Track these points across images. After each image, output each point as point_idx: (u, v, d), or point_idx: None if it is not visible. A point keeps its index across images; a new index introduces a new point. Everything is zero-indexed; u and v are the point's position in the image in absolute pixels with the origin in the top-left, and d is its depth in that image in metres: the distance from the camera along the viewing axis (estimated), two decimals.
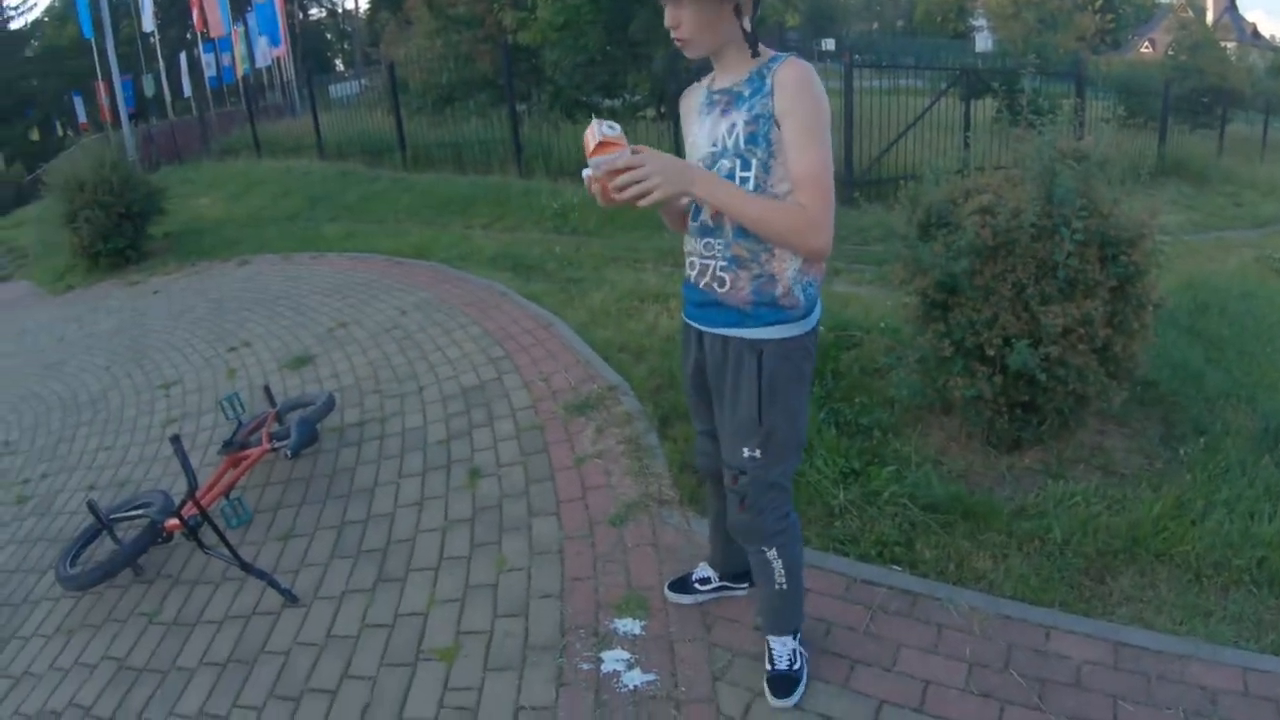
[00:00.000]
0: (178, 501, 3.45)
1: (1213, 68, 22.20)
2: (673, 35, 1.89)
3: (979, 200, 3.33)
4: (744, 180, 1.88)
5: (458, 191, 10.60)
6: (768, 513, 2.12)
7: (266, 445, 3.89)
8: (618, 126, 1.76)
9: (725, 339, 2.02)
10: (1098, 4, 23.66)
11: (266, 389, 4.48)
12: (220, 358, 5.79)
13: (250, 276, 7.99)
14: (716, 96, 1.97)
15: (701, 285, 2.02)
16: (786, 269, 1.94)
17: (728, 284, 1.97)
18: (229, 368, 5.57)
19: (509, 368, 4.66)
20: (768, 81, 1.85)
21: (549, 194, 9.61)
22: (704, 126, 1.97)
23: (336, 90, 18.32)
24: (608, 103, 12.88)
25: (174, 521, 3.38)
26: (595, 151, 1.73)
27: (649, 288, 5.90)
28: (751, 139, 1.86)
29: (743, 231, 1.91)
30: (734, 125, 1.88)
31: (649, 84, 12.12)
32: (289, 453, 3.79)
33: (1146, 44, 50.71)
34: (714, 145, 1.93)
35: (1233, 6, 60.54)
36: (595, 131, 1.73)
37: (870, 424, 3.72)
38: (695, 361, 2.16)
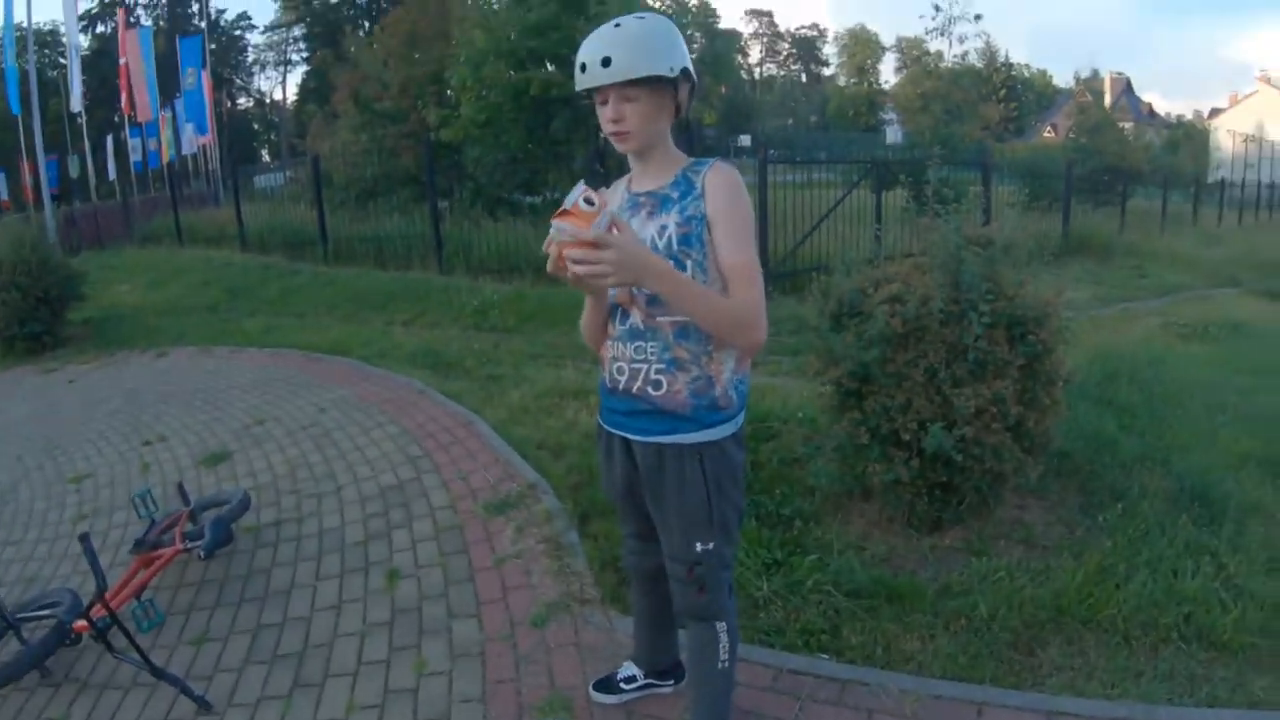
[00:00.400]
0: (86, 602, 3.27)
1: (1112, 148, 23.41)
2: (613, 129, 1.91)
3: (888, 289, 3.43)
4: None
5: (378, 287, 10.58)
6: (722, 588, 2.13)
7: (179, 545, 3.74)
8: (597, 201, 1.74)
9: (661, 447, 1.99)
10: (1001, 94, 24.99)
11: (180, 487, 4.33)
12: (135, 451, 5.60)
13: (168, 368, 7.84)
14: (641, 199, 1.99)
15: (634, 391, 1.99)
16: (724, 370, 1.96)
17: (664, 387, 1.95)
18: (143, 462, 5.38)
19: (428, 467, 4.59)
20: (698, 185, 1.90)
21: (469, 291, 9.66)
22: (629, 222, 1.97)
23: (261, 181, 18.31)
24: (529, 200, 13.05)
25: (82, 623, 3.21)
26: (565, 216, 1.72)
27: (568, 384, 5.90)
28: (685, 240, 1.89)
29: (683, 333, 1.93)
30: (665, 227, 1.91)
31: (570, 182, 12.33)
32: (203, 553, 3.65)
33: (1049, 129, 53.53)
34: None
35: (1129, 89, 64.34)
36: (575, 196, 1.73)
37: (791, 514, 3.72)
38: (624, 471, 2.12)
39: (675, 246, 1.89)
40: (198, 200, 23.70)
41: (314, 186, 13.23)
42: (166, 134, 29.93)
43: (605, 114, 1.91)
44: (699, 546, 2.04)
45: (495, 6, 13.18)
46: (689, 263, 1.89)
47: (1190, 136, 41.80)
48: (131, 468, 5.33)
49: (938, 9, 19.65)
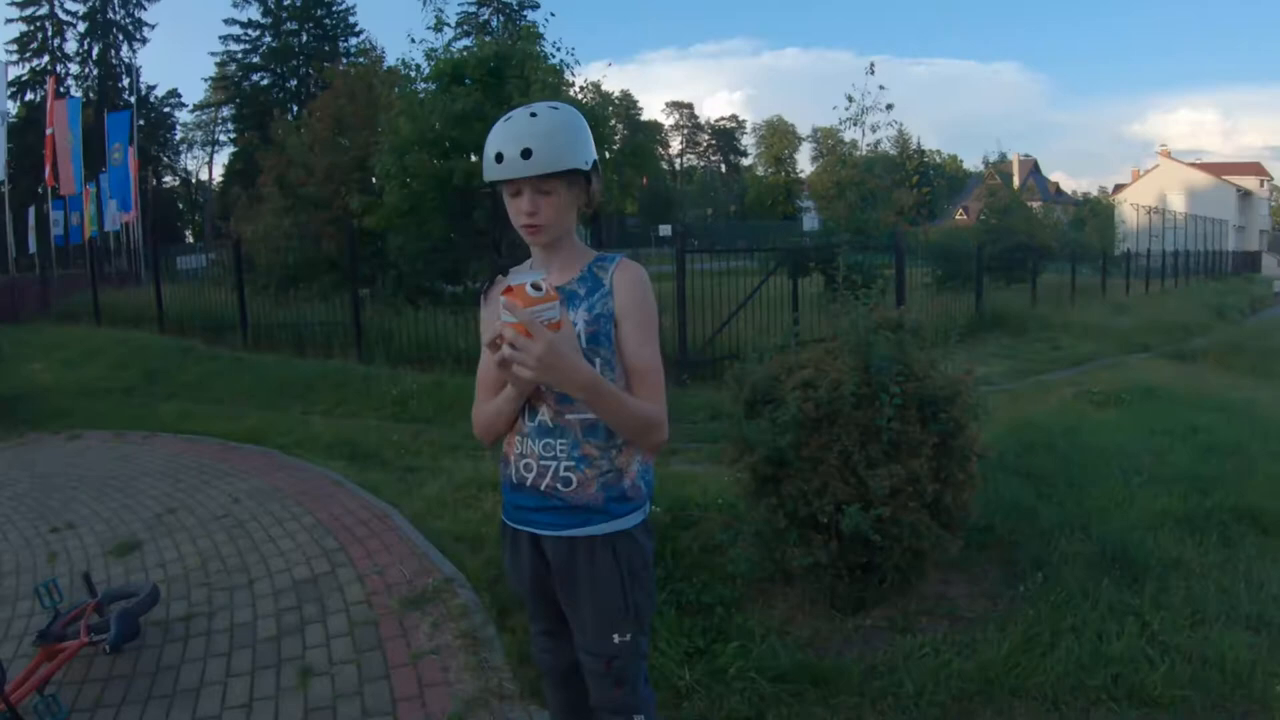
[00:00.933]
0: None
1: (1022, 226, 24.38)
2: (527, 221, 1.88)
3: (801, 375, 3.48)
4: None
5: (297, 374, 10.44)
6: (639, 680, 2.11)
7: (85, 638, 3.56)
8: (544, 287, 1.69)
9: (573, 540, 1.97)
10: (914, 180, 25.90)
11: (87, 577, 4.15)
12: (41, 538, 5.36)
13: (80, 452, 7.61)
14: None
15: (542, 487, 1.96)
16: (632, 463, 1.97)
17: (574, 484, 1.94)
18: (50, 550, 5.15)
19: (343, 560, 4.48)
20: (606, 282, 1.91)
21: (389, 380, 9.57)
22: None
23: (183, 262, 17.94)
24: (450, 289, 13.05)
25: None
26: (508, 293, 1.69)
27: (487, 476, 5.79)
28: (594, 339, 1.88)
29: (592, 430, 1.92)
30: (574, 324, 1.88)
31: (491, 273, 12.38)
32: (109, 647, 3.49)
33: (961, 211, 55.77)
34: None
35: (1036, 169, 67.56)
36: (524, 278, 1.70)
37: (712, 601, 3.68)
38: (532, 568, 2.07)
39: (584, 344, 1.87)
40: (118, 278, 23.24)
41: (236, 270, 13.05)
42: (90, 209, 29.40)
43: (519, 205, 1.87)
44: (616, 639, 2.02)
45: (421, 96, 13.26)
46: (598, 360, 1.88)
47: (1096, 212, 43.67)
48: (38, 555, 5.10)
49: (851, 100, 20.51)
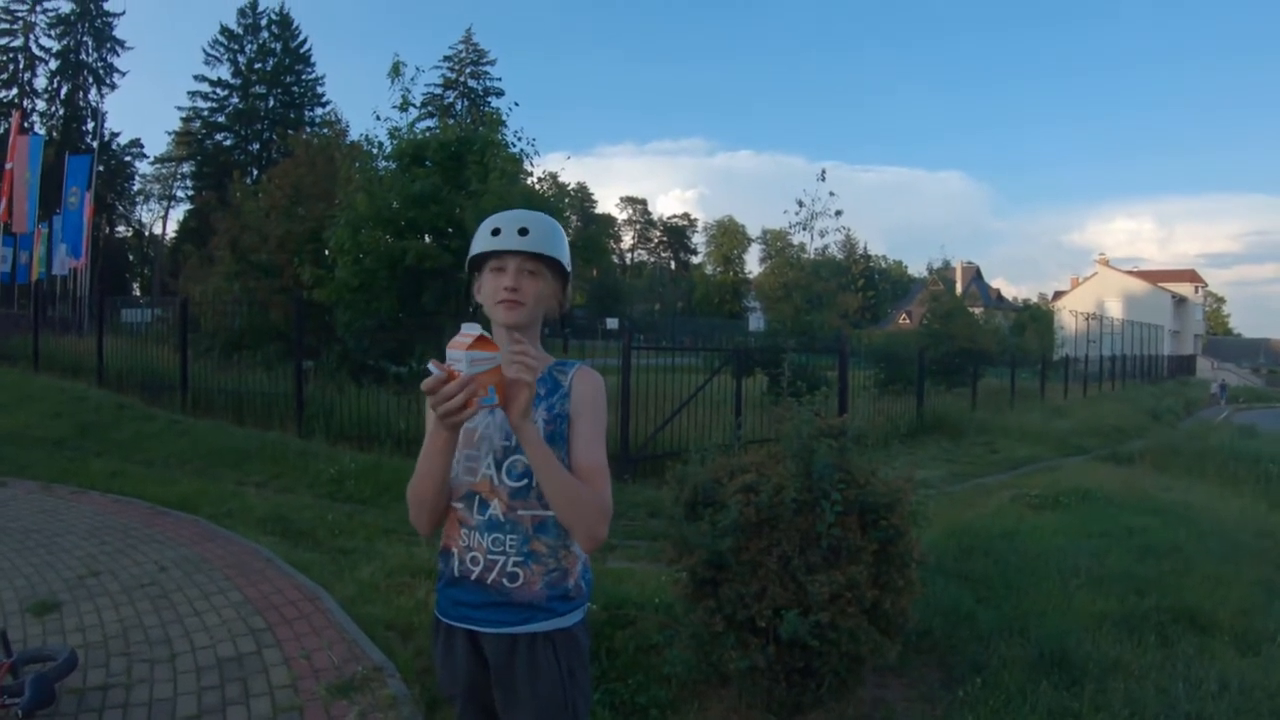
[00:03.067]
0: None
1: (963, 331, 25.00)
2: (507, 296, 1.92)
3: (743, 479, 3.51)
4: None
5: (234, 443, 10.26)
6: None
7: None
8: (480, 332, 1.77)
9: (514, 637, 1.96)
10: (860, 284, 26.60)
11: (2, 635, 3.96)
12: None
13: (4, 501, 7.38)
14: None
15: (488, 582, 1.95)
16: (577, 563, 2.00)
17: (520, 580, 1.94)
18: None
19: (269, 641, 4.35)
20: (565, 385, 1.98)
21: (327, 457, 9.47)
22: (493, 418, 1.96)
23: (128, 315, 17.65)
24: (395, 369, 12.97)
25: None
26: (465, 346, 1.73)
27: (421, 563, 5.73)
28: (550, 438, 1.91)
29: (542, 527, 1.94)
30: (534, 423, 1.90)
31: (437, 355, 12.36)
32: (21, 712, 3.37)
33: (904, 315, 57.13)
34: (507, 440, 1.94)
35: (979, 276, 69.66)
36: (469, 334, 1.76)
37: (647, 702, 3.64)
38: (467, 668, 2.03)
39: None
40: (60, 325, 22.77)
41: (180, 329, 12.89)
42: (39, 250, 28.87)
43: (501, 280, 1.93)
44: None
45: (381, 173, 13.36)
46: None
47: (1036, 318, 45.11)
48: None
49: (801, 205, 21.15)
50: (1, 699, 3.45)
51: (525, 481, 1.92)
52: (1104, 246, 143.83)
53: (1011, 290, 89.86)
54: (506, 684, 1.98)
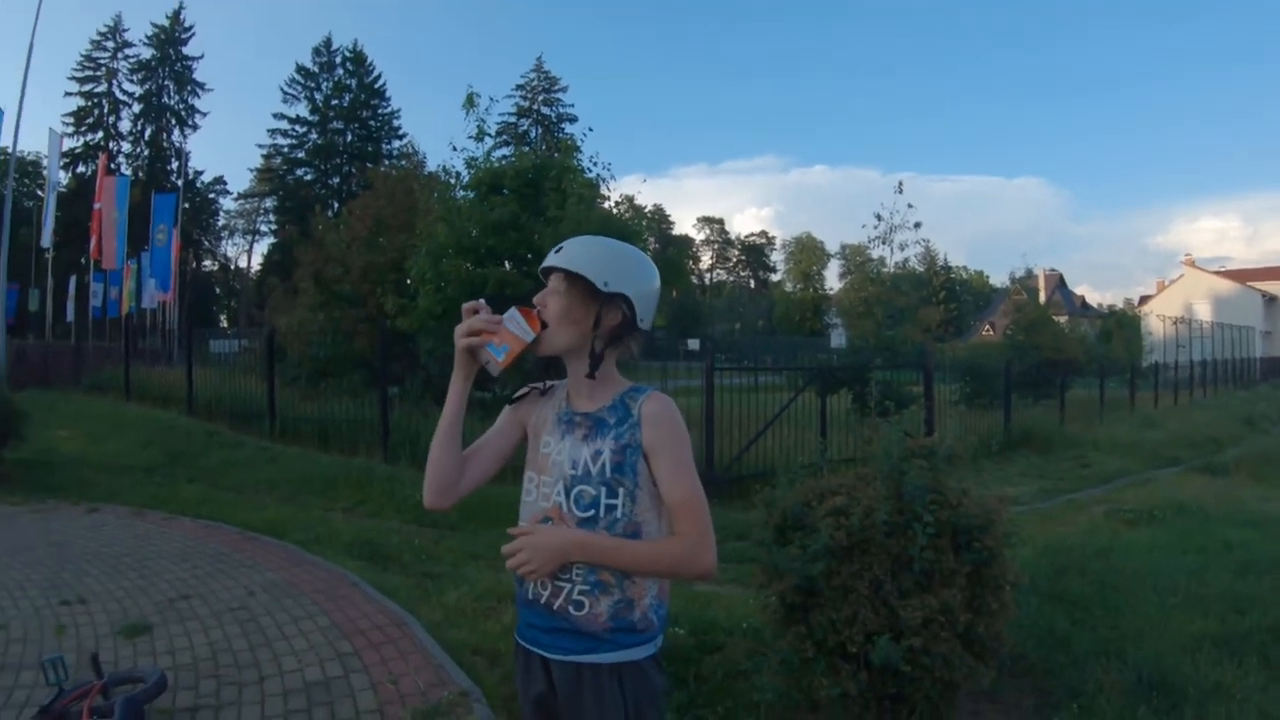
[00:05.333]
0: None
1: (1048, 342, 24.33)
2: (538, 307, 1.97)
3: (832, 502, 3.44)
4: (610, 507, 1.89)
5: (321, 470, 10.43)
6: None
7: None
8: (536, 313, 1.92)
9: (579, 666, 1.92)
10: (941, 296, 26.09)
11: (95, 657, 4.05)
12: (52, 609, 5.29)
13: (98, 525, 7.59)
14: (577, 419, 1.99)
15: (554, 608, 1.93)
16: (645, 594, 1.93)
17: (586, 608, 1.91)
18: (59, 622, 5.07)
19: (356, 665, 4.39)
20: (634, 413, 1.93)
21: (413, 482, 9.45)
22: (564, 445, 1.97)
23: (216, 346, 18.23)
24: (479, 394, 13.10)
25: None
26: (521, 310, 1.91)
27: (507, 588, 5.72)
28: (619, 469, 1.89)
29: None
30: (599, 452, 1.91)
31: (520, 381, 12.45)
32: None
33: (987, 327, 55.98)
34: (574, 468, 1.93)
35: (1062, 284, 67.80)
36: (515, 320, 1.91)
37: None
38: (538, 692, 2.02)
39: (609, 473, 1.90)
40: (150, 356, 23.61)
41: (267, 359, 13.23)
42: (129, 285, 30.08)
43: (537, 296, 1.99)
44: None
45: (459, 202, 13.56)
46: (620, 490, 1.90)
47: (1122, 325, 43.59)
48: (46, 626, 5.04)
49: (879, 218, 20.90)
50: (92, 719, 3.50)
51: (592, 513, 1.90)
52: (1189, 247, 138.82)
53: (1096, 297, 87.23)
54: (574, 713, 1.95)
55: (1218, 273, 69.00)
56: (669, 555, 1.89)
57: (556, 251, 1.94)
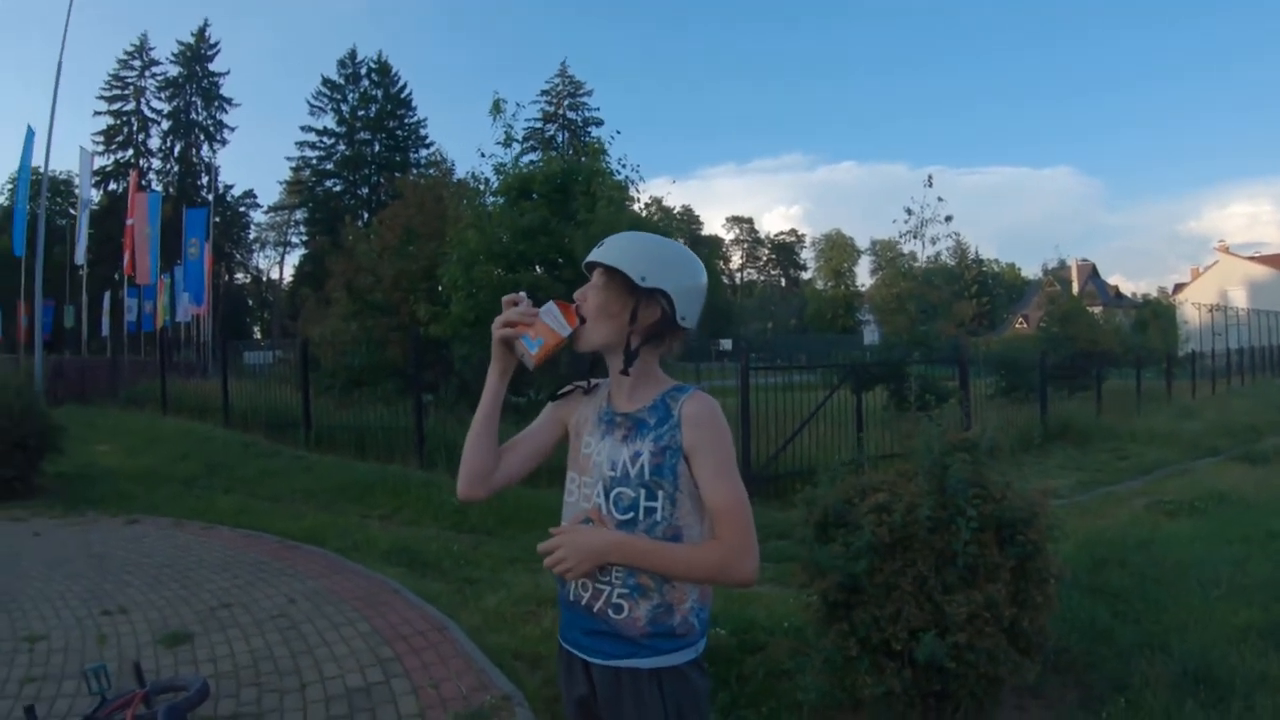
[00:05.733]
0: None
1: (1083, 333, 24.06)
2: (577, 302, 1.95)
3: (874, 499, 3.42)
4: (650, 510, 1.85)
5: (357, 477, 10.48)
6: None
7: None
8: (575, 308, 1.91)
9: (618, 670, 1.88)
10: (974, 290, 25.87)
11: (137, 666, 4.09)
12: (93, 619, 5.36)
13: (137, 537, 7.67)
14: (618, 419, 1.94)
15: (594, 610, 1.89)
16: (686, 599, 1.89)
17: (625, 611, 1.87)
18: (101, 632, 5.14)
19: (398, 671, 4.41)
20: (674, 414, 1.87)
21: (449, 488, 9.32)
22: (604, 445, 1.93)
23: (250, 358, 18.44)
24: (514, 399, 13.15)
25: None
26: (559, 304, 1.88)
27: (547, 592, 5.72)
28: (658, 470, 1.85)
29: None
30: (639, 454, 1.87)
31: (554, 385, 12.49)
32: None
33: (1021, 320, 55.33)
34: (613, 470, 1.89)
35: (1095, 274, 67.03)
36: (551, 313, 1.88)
37: None
38: (579, 695, 1.99)
39: (648, 475, 1.86)
40: (185, 369, 23.96)
41: (301, 369, 13.33)
42: (163, 299, 30.53)
43: (578, 292, 1.96)
44: None
45: (489, 208, 13.61)
46: (660, 493, 1.85)
47: (1157, 314, 43.06)
48: (88, 636, 5.10)
49: (910, 213, 20.74)
50: None
51: (631, 515, 1.86)
52: (1223, 233, 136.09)
53: (1130, 286, 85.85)
54: (614, 717, 1.92)
55: (1252, 258, 67.61)
56: (707, 561, 1.84)
57: (599, 247, 1.92)
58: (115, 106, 58.79)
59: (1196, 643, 4.25)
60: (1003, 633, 3.29)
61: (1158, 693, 3.67)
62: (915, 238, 21.77)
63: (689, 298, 1.93)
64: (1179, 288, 68.35)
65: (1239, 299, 54.20)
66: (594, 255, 1.91)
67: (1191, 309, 46.72)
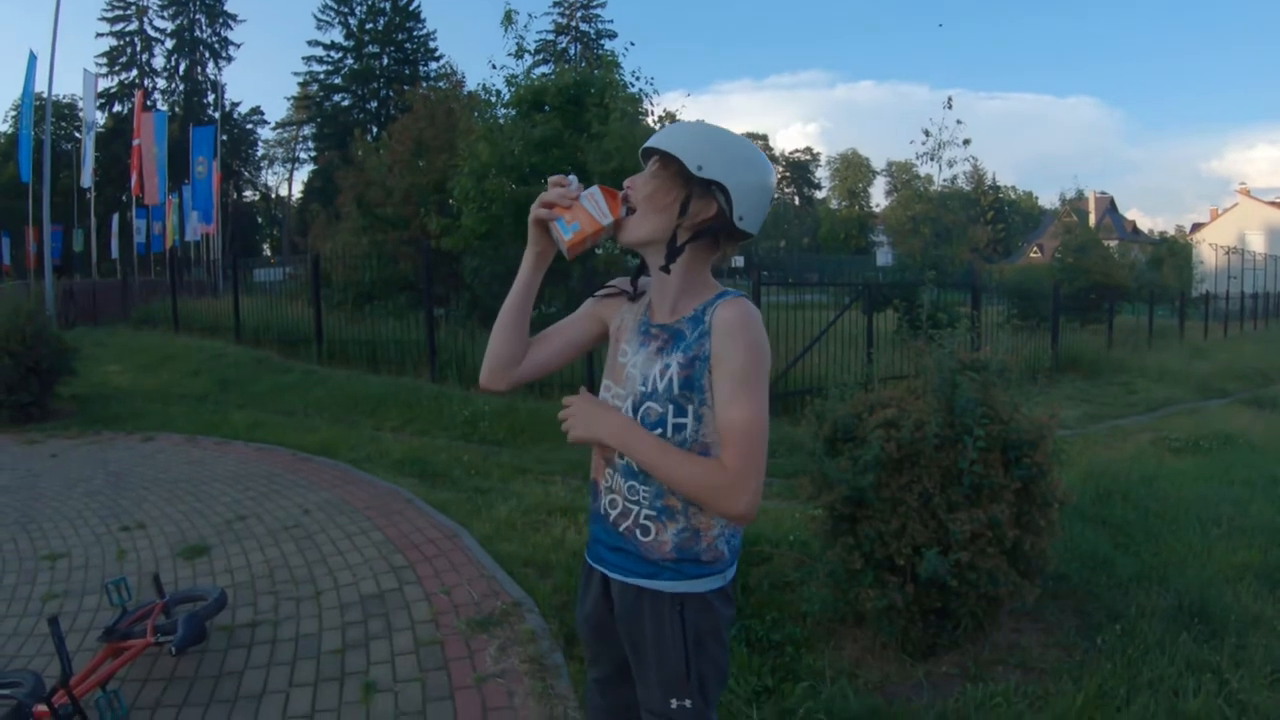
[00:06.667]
0: (50, 686, 3.16)
1: (1098, 266, 23.82)
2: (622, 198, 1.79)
3: (883, 414, 3.43)
4: (679, 427, 1.72)
5: (369, 390, 10.56)
6: None
7: (150, 638, 3.60)
8: (621, 195, 1.78)
9: (640, 590, 1.82)
10: (989, 216, 25.70)
11: (156, 578, 4.19)
12: (112, 536, 5.48)
13: (152, 454, 7.77)
14: (655, 330, 1.81)
15: (621, 529, 1.82)
16: (714, 525, 1.78)
17: (652, 533, 1.78)
18: (120, 548, 5.26)
19: (410, 578, 4.50)
20: (705, 320, 1.73)
21: (460, 400, 9.62)
22: (639, 357, 1.81)
23: (261, 275, 18.40)
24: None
25: (43, 708, 3.07)
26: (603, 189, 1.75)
27: (556, 501, 5.84)
28: (687, 383, 1.72)
29: None
30: (668, 367, 1.74)
31: (565, 297, 12.48)
32: (174, 649, 3.51)
33: (1035, 249, 54.73)
34: (644, 385, 1.77)
35: (1113, 208, 66.11)
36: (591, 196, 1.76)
37: (782, 639, 3.63)
38: (597, 610, 1.95)
39: (676, 390, 1.73)
40: (196, 288, 23.94)
41: (312, 285, 13.32)
42: (172, 219, 30.45)
43: (629, 179, 1.82)
44: (674, 703, 1.82)
45: (501, 121, 13.42)
46: (689, 408, 1.72)
47: (1174, 252, 42.58)
48: (107, 552, 5.22)
49: (927, 135, 20.29)
50: (156, 637, 3.61)
51: (660, 431, 1.73)
52: (1245, 175, 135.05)
53: (1147, 223, 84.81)
54: (633, 639, 1.86)
55: (1274, 203, 66.60)
56: (702, 478, 1.68)
57: (658, 133, 1.77)
58: (118, 27, 57.73)
59: (1194, 579, 4.30)
60: (1004, 554, 3.32)
61: (1153, 624, 3.74)
62: (932, 160, 21.52)
63: (751, 197, 1.73)
64: (1196, 227, 67.35)
65: (1257, 244, 53.55)
66: (651, 141, 1.75)
67: (1208, 250, 46.19)
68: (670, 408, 1.73)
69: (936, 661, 3.51)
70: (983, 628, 3.58)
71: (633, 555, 1.81)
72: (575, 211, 1.73)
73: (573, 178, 1.78)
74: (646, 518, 1.78)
